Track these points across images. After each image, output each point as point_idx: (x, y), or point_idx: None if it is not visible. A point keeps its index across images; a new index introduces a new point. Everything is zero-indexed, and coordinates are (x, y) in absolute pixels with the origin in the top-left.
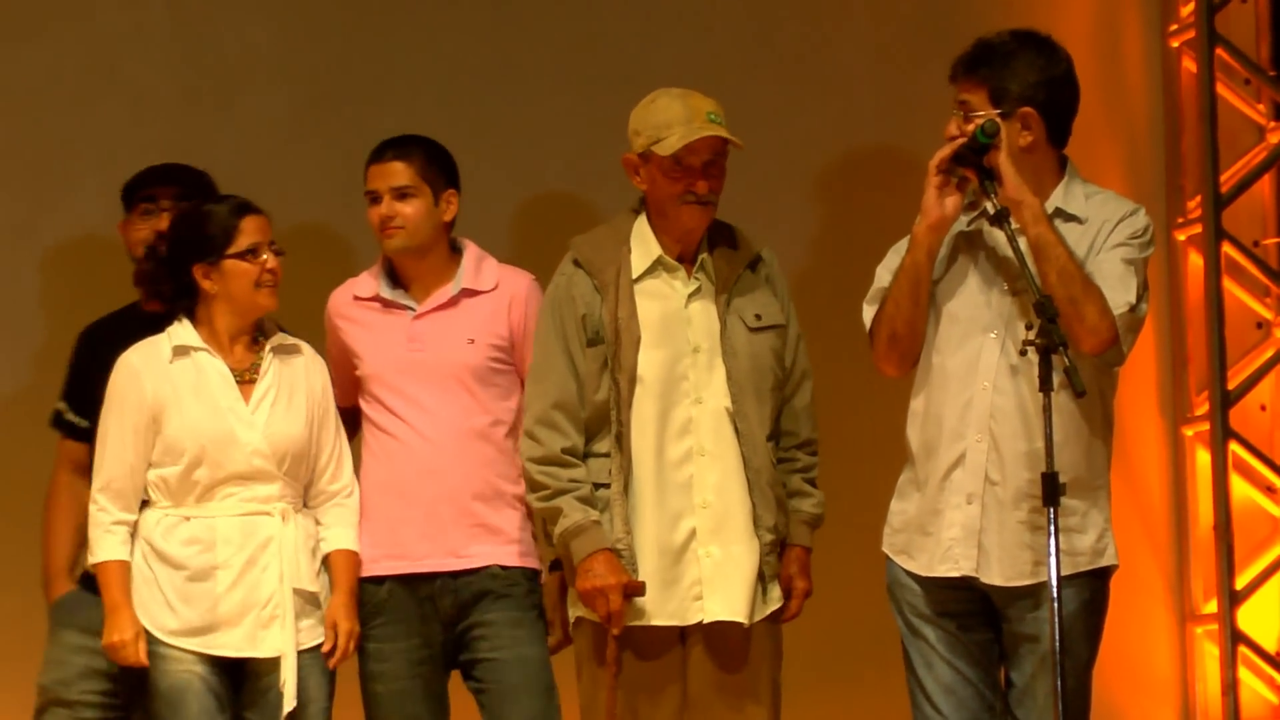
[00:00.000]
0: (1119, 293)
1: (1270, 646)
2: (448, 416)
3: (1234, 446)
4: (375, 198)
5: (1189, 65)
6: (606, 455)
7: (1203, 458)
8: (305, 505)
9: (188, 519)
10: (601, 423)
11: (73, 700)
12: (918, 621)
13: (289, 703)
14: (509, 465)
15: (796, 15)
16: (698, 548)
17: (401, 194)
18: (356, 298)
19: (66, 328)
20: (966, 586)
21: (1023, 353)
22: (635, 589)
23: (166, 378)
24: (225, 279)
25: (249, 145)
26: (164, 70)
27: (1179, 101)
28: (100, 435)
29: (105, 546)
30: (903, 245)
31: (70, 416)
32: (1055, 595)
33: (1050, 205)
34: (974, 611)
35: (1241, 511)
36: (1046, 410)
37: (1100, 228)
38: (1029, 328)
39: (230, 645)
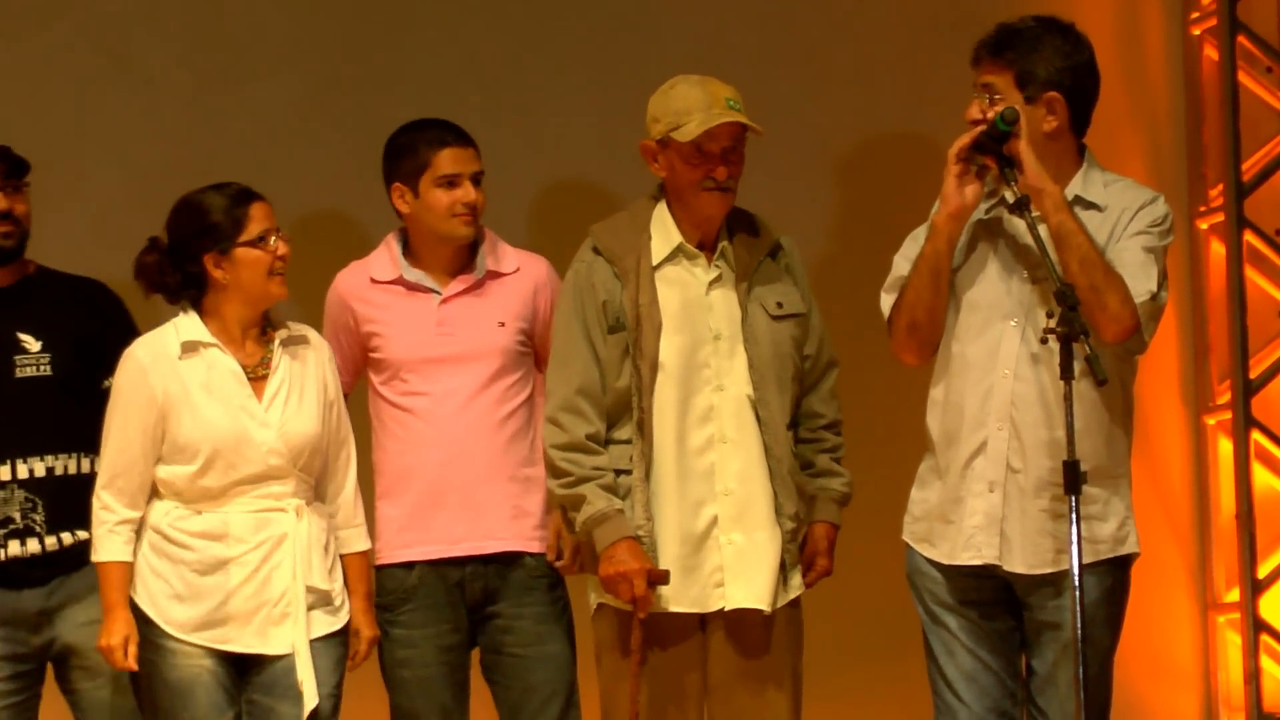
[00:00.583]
0: (1140, 281)
1: None
2: (480, 400)
3: (1256, 435)
4: (453, 182)
5: (1210, 53)
6: (628, 442)
7: (1225, 446)
8: (317, 499)
9: (199, 512)
10: (623, 409)
11: None
12: (939, 610)
13: (310, 700)
14: (534, 449)
15: (815, 2)
16: (719, 535)
17: (477, 179)
18: (374, 280)
19: None
20: (988, 575)
21: (1043, 341)
22: (659, 577)
23: (175, 375)
24: (237, 268)
25: (261, 131)
26: (175, 55)
27: (1200, 90)
28: (105, 431)
29: (108, 546)
30: (920, 233)
31: None
32: (1077, 583)
33: (1069, 193)
34: (995, 600)
35: (1263, 500)
36: (1068, 398)
37: (1120, 216)
38: (1050, 316)
39: (240, 641)
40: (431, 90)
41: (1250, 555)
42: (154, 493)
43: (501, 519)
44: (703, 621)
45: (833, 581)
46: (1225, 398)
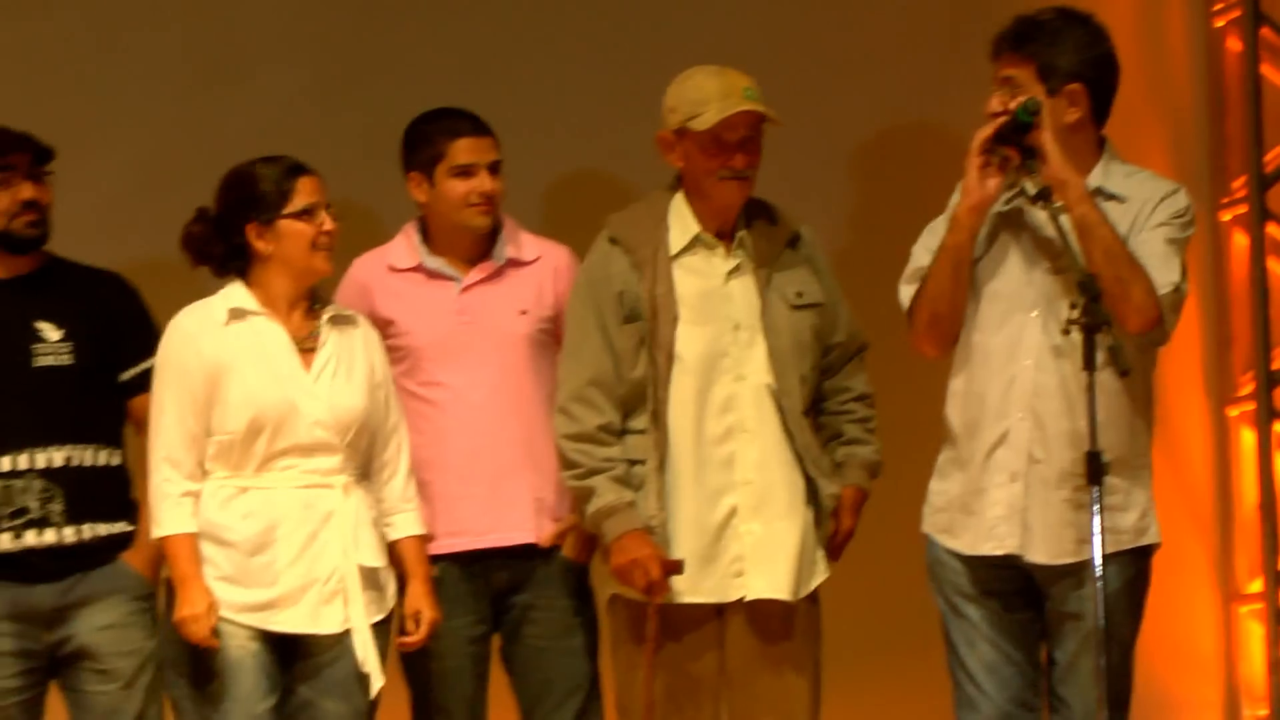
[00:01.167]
0: (1163, 272)
1: None
2: (503, 389)
3: (1278, 426)
4: (468, 171)
5: (1233, 45)
6: (643, 432)
7: (1247, 437)
8: (366, 479)
9: (245, 490)
10: (638, 400)
11: None
12: (960, 601)
13: (377, 679)
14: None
15: None
16: (739, 524)
17: (495, 168)
18: (393, 268)
19: None
20: (1009, 565)
21: (1066, 332)
22: (673, 566)
23: (223, 341)
24: (280, 240)
25: (265, 122)
26: (177, 45)
27: (1223, 81)
28: (155, 404)
29: (172, 519)
30: (938, 224)
31: None
32: (1099, 573)
33: (1090, 184)
34: (1016, 590)
35: None
36: (1090, 389)
37: (1141, 207)
38: (1073, 307)
39: (291, 622)
40: (441, 80)
41: (1272, 546)
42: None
43: (527, 511)
44: (720, 610)
45: (852, 573)
46: (1248, 389)
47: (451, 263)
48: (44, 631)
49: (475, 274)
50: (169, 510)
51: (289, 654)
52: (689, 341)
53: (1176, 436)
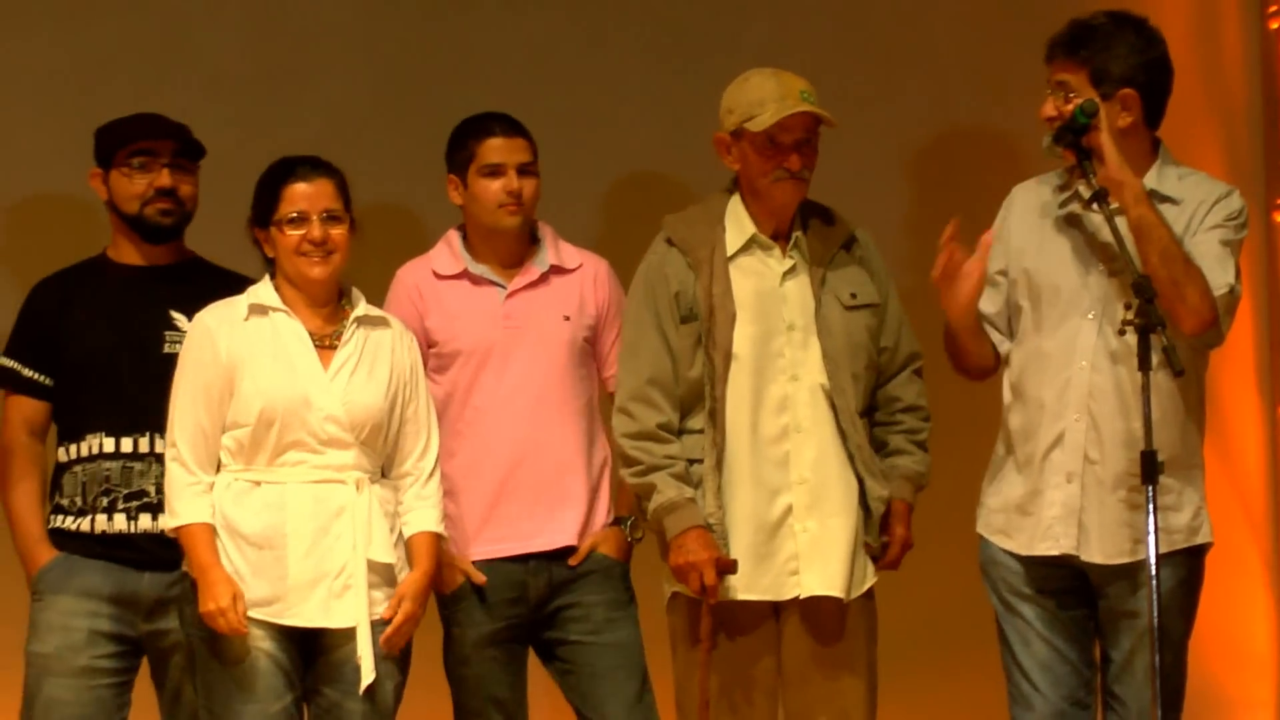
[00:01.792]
0: (1219, 274)
1: None
2: (548, 394)
3: None
4: (497, 171)
5: None
6: (700, 431)
7: None
8: (385, 477)
9: (258, 484)
10: (696, 399)
11: (83, 667)
12: (1015, 600)
13: (367, 675)
14: (600, 443)
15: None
16: (794, 523)
17: (525, 170)
18: (437, 275)
19: None
20: (1064, 564)
21: (1122, 333)
22: (727, 566)
23: (241, 336)
24: (275, 245)
25: (327, 123)
26: (240, 48)
27: (1277, 83)
28: (174, 396)
29: (187, 509)
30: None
31: (26, 372)
32: (1154, 572)
33: (1144, 186)
34: (1071, 589)
35: None
36: (1145, 389)
37: (1196, 209)
38: (1128, 308)
39: (302, 616)
40: (499, 83)
41: None
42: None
43: (568, 515)
44: (776, 609)
45: (906, 573)
46: None
47: (494, 269)
48: (142, 620)
49: (520, 280)
50: (184, 501)
51: (308, 651)
52: (745, 341)
53: (1230, 436)
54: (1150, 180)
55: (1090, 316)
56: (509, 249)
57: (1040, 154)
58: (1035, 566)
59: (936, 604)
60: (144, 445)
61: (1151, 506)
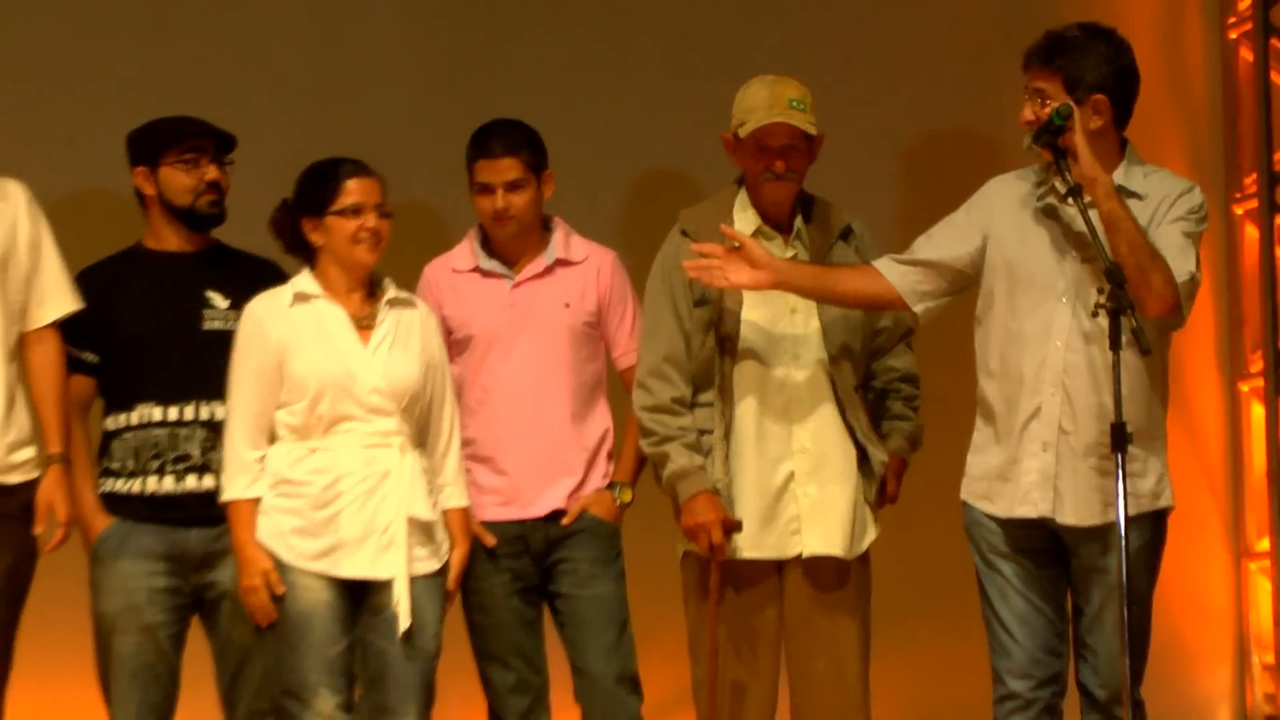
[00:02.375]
0: (1181, 262)
1: None
2: (548, 375)
3: None
4: (487, 189)
5: (1246, 55)
6: (711, 405)
7: (1257, 410)
8: (422, 446)
9: (314, 450)
10: (707, 376)
11: (147, 623)
12: (995, 558)
13: (404, 620)
14: (600, 418)
15: (885, 8)
16: (795, 488)
17: (513, 186)
18: (454, 270)
19: None
20: (1040, 526)
21: (1095, 315)
22: (732, 526)
23: (288, 322)
24: (328, 233)
25: (380, 126)
26: (304, 58)
27: (1236, 88)
28: (231, 380)
29: (237, 485)
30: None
31: (77, 352)
32: (1123, 533)
33: (1114, 182)
34: (1046, 549)
35: None
36: (1116, 367)
37: (1159, 203)
38: (1100, 292)
39: (353, 567)
40: (533, 90)
41: (1279, 509)
42: (272, 437)
43: (569, 484)
44: (779, 566)
45: (898, 536)
46: (1258, 366)
47: (505, 262)
48: (192, 574)
49: (526, 272)
50: (235, 478)
51: (359, 601)
52: (751, 323)
53: (1193, 410)
54: (1118, 177)
55: (1064, 300)
56: (516, 246)
57: (1020, 152)
58: (1014, 528)
59: (926, 564)
60: (189, 413)
61: (1121, 473)
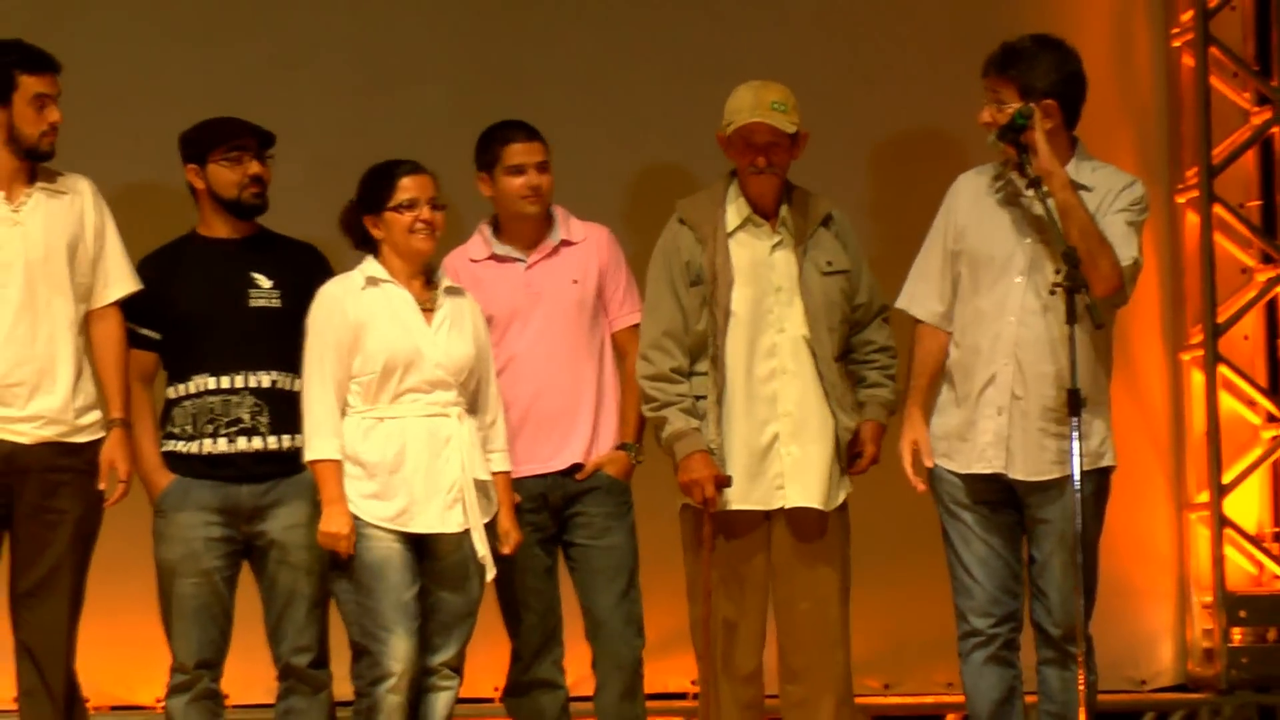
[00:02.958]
0: (1125, 248)
1: (1250, 529)
2: (561, 345)
3: (1222, 369)
4: (520, 170)
5: (1188, 61)
6: (705, 374)
7: (1197, 378)
8: (473, 414)
9: (381, 420)
10: (701, 348)
11: (204, 569)
12: (956, 508)
13: (490, 569)
14: (610, 379)
15: (864, 19)
16: (780, 447)
17: (543, 167)
18: (471, 260)
19: None
20: (996, 480)
21: (1052, 292)
22: (723, 481)
23: (361, 302)
24: (387, 228)
25: (414, 126)
26: (347, 63)
27: (1179, 90)
28: (309, 353)
29: (321, 446)
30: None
31: (141, 330)
32: (1077, 488)
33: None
34: (1001, 500)
35: (1228, 420)
36: (1071, 339)
37: (1105, 196)
38: (1056, 272)
39: (423, 523)
40: (548, 92)
41: (1216, 465)
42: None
43: (583, 439)
44: (767, 517)
45: (875, 491)
46: (1197, 338)
47: (517, 248)
48: (244, 524)
49: (537, 254)
50: (319, 439)
51: (422, 555)
52: (741, 301)
53: (1140, 377)
54: (1070, 171)
55: (1019, 279)
56: (530, 230)
57: (982, 148)
58: (972, 481)
59: (900, 516)
60: (239, 382)
61: (1076, 434)
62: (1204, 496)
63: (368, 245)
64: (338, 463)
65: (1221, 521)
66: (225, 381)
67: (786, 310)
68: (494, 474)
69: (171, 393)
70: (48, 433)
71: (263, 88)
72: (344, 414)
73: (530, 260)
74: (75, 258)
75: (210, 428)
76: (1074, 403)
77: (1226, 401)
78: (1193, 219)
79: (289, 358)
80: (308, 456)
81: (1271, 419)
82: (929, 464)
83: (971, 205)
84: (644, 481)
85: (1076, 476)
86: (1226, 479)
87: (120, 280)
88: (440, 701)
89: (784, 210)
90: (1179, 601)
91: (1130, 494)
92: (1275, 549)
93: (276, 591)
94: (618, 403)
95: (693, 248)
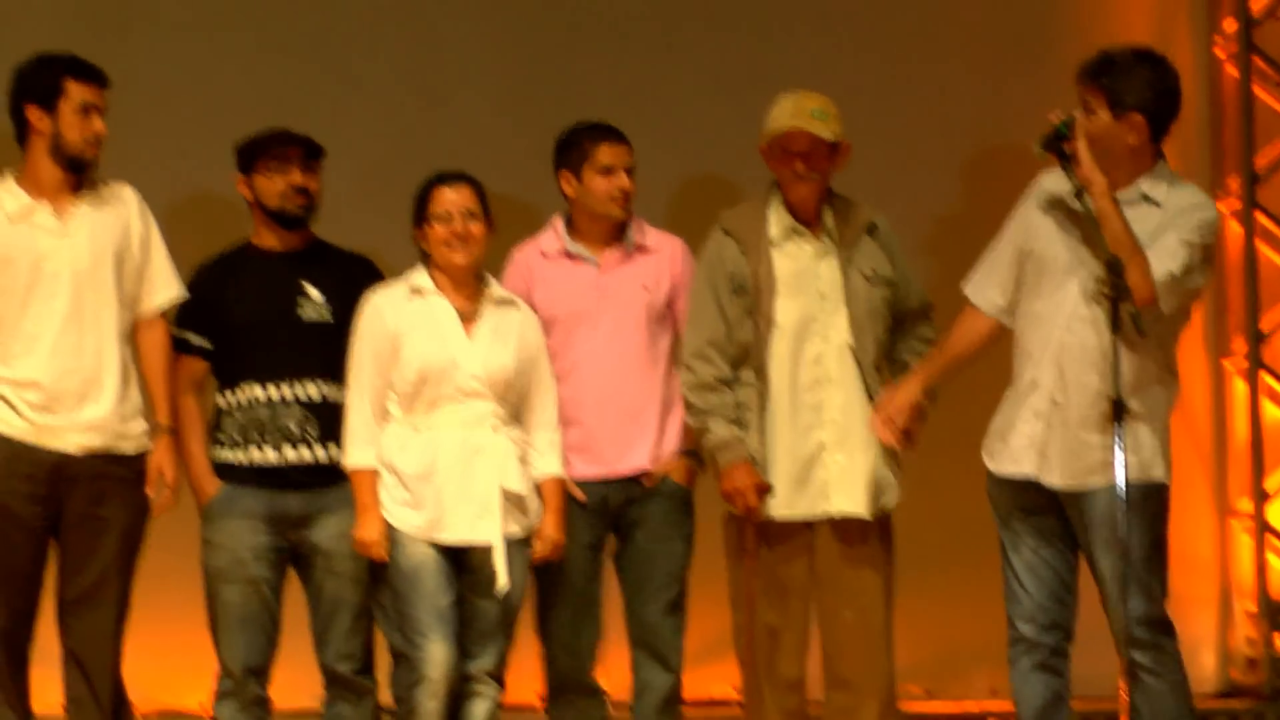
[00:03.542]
0: (1164, 262)
1: None
2: (628, 349)
3: (1264, 376)
4: (611, 171)
5: (1230, 70)
6: (749, 383)
7: (1239, 386)
8: (518, 423)
9: (417, 430)
10: (745, 357)
11: (251, 576)
12: (1007, 515)
13: (502, 582)
14: (673, 385)
15: (908, 26)
16: (825, 455)
17: (631, 172)
18: (543, 254)
19: None
20: (1034, 486)
21: (1096, 301)
22: (764, 489)
23: (403, 313)
24: (428, 240)
25: (461, 135)
26: (393, 73)
27: (1222, 99)
28: (353, 361)
29: (358, 455)
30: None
31: (193, 338)
32: (1123, 495)
33: (1138, 189)
34: (1044, 507)
35: (1270, 428)
36: (1114, 348)
37: (1172, 213)
38: (1099, 281)
39: (453, 532)
40: (598, 100)
41: (1259, 472)
42: (386, 418)
43: (648, 444)
44: (810, 525)
45: (922, 499)
46: (1240, 347)
47: (590, 248)
48: (291, 531)
49: (611, 257)
50: (357, 447)
51: (459, 566)
52: (785, 310)
53: (1182, 385)
54: (1143, 185)
55: (1073, 287)
56: (608, 232)
57: (1030, 158)
58: (1011, 487)
59: (945, 523)
60: (287, 393)
61: (1119, 442)
62: (1246, 504)
63: (425, 257)
64: (373, 471)
65: (1264, 528)
66: (274, 391)
67: (831, 318)
68: (544, 479)
69: (221, 402)
70: (95, 442)
71: (314, 100)
72: (385, 422)
73: (603, 263)
74: (122, 267)
75: (259, 437)
76: (1117, 411)
77: (1269, 409)
78: (1235, 228)
79: (338, 369)
80: (345, 464)
81: None
82: (901, 423)
83: (1044, 209)
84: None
85: (1121, 485)
86: (1269, 486)
87: (166, 288)
88: (481, 709)
89: (827, 218)
90: (1221, 609)
91: (1174, 502)
92: None
93: (322, 599)
94: (682, 410)
95: (736, 258)
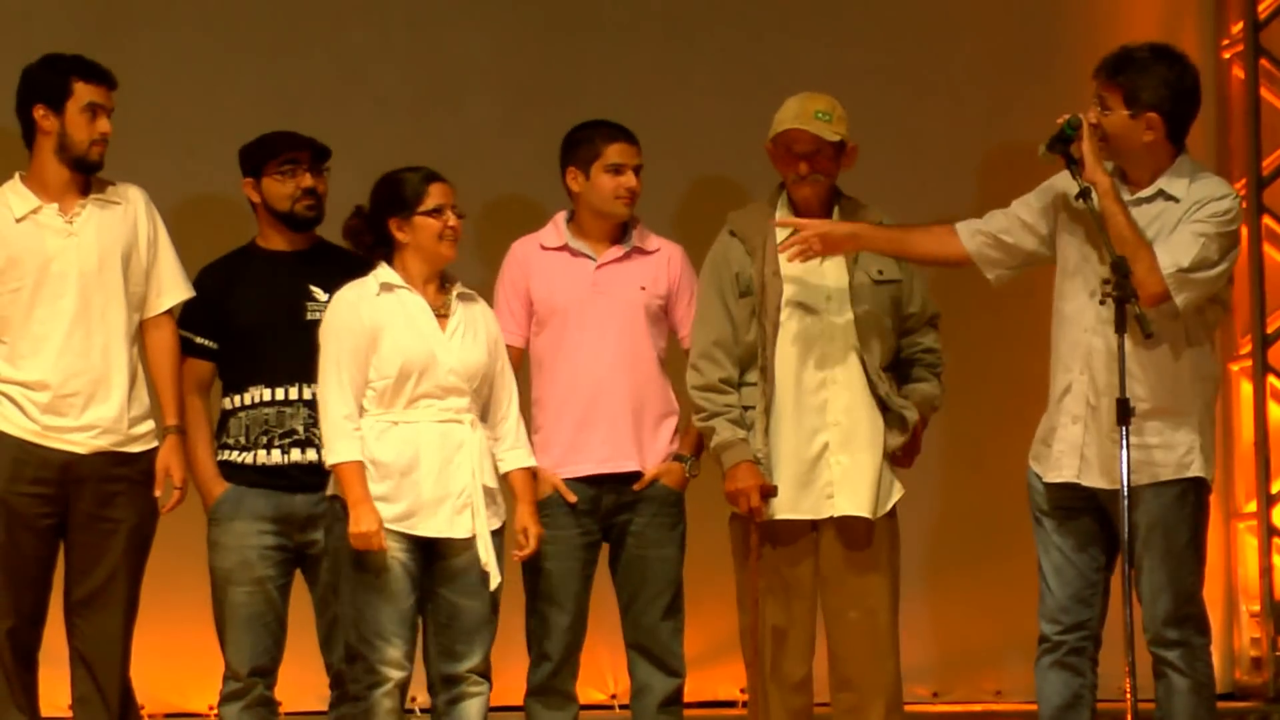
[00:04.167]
0: (1173, 255)
1: None
2: (622, 348)
3: (1271, 379)
4: (620, 169)
5: (1237, 73)
6: (754, 384)
7: (1245, 388)
8: (484, 420)
9: (395, 424)
10: (751, 358)
11: (258, 577)
12: (1040, 515)
13: (495, 576)
14: (666, 388)
15: (912, 30)
16: (829, 457)
17: (638, 172)
18: (543, 247)
19: None
20: (1074, 487)
21: (1101, 302)
22: (769, 491)
23: (376, 308)
24: (415, 231)
25: (468, 140)
26: (401, 77)
27: (1229, 102)
28: (325, 358)
29: (343, 449)
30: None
31: (199, 339)
32: (1125, 494)
33: (1156, 186)
34: (1081, 509)
35: (1276, 430)
36: (1120, 348)
37: (1190, 207)
38: (1105, 282)
39: (432, 528)
40: (605, 104)
41: (1265, 474)
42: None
43: (635, 445)
44: (815, 526)
45: (926, 500)
46: (1246, 349)
47: (590, 245)
48: (297, 533)
49: (609, 254)
50: (340, 442)
51: (430, 559)
52: (790, 311)
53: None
54: (1161, 182)
55: (1094, 289)
56: (610, 231)
57: (1036, 159)
58: (1053, 489)
59: (948, 524)
60: (294, 394)
61: (1125, 443)
62: (1252, 506)
63: (374, 252)
64: (360, 464)
65: (1269, 531)
66: (280, 393)
67: (836, 320)
68: (513, 471)
69: (227, 403)
70: (103, 442)
71: (320, 102)
72: (360, 414)
73: (601, 260)
74: (129, 267)
75: (265, 439)
76: (1121, 411)
77: (1275, 411)
78: (1241, 230)
79: None
80: (330, 460)
81: None
82: (812, 245)
83: (1069, 207)
84: (694, 490)
85: (1125, 486)
86: (1275, 489)
87: (173, 288)
88: (473, 708)
89: (834, 219)
90: (1226, 610)
91: None
92: None
93: (328, 599)
94: (676, 413)
95: (743, 259)
